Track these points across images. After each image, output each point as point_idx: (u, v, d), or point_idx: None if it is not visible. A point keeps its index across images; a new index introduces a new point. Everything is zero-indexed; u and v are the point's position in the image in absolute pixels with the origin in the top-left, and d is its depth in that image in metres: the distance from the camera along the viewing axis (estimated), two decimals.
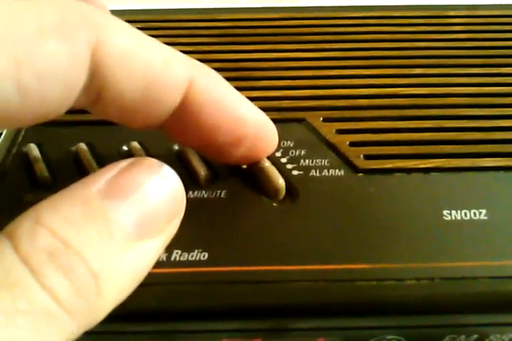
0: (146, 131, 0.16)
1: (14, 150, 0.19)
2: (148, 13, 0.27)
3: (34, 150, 0.19)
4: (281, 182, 0.17)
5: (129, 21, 0.14)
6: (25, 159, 0.19)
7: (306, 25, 0.26)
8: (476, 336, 0.16)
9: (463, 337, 0.16)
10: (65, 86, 0.13)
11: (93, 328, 0.11)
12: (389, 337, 0.16)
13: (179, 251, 0.16)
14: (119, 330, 0.15)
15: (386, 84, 0.22)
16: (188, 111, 0.15)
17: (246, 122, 0.15)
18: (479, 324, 0.15)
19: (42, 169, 0.18)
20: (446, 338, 0.16)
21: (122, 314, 0.12)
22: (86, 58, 0.13)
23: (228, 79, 0.16)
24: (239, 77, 0.22)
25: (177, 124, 0.15)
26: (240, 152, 0.16)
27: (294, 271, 0.15)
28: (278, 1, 0.38)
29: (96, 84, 0.13)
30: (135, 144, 0.19)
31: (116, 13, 0.16)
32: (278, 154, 0.19)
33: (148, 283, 0.12)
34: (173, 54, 0.15)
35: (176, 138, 0.17)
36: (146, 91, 0.14)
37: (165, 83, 0.14)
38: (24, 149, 0.19)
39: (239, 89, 0.16)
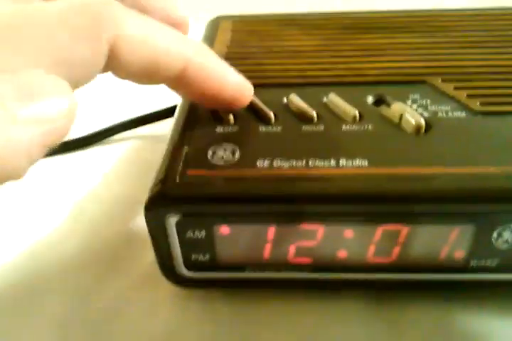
0: None
1: None
2: None
3: None
4: (422, 122, 0.22)
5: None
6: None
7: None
8: None
9: None
10: (91, 69, 0.17)
11: None
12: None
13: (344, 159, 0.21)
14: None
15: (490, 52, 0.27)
16: (185, 79, 0.20)
17: (228, 85, 0.21)
18: None
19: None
20: None
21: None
22: (105, 51, 0.17)
23: None
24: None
25: (179, 86, 0.21)
26: (225, 103, 0.22)
27: (438, 173, 0.20)
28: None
29: (112, 62, 0.18)
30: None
31: None
32: (408, 103, 0.24)
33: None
34: (175, 40, 0.19)
35: (179, 94, 0.22)
36: (150, 68, 0.19)
37: (165, 63, 0.19)
38: None
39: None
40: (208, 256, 0.22)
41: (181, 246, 0.21)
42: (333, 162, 0.20)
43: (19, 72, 0.15)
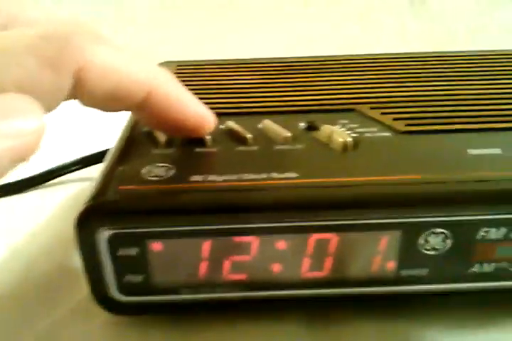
0: None
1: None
2: None
3: None
4: (349, 139, 0.23)
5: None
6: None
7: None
8: None
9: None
10: (56, 96, 0.18)
11: None
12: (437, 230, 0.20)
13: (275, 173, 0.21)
14: None
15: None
16: (148, 106, 0.21)
17: (190, 114, 0.22)
18: None
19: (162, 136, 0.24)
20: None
21: None
22: (70, 79, 0.18)
23: None
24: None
25: (141, 112, 0.22)
26: (187, 132, 0.23)
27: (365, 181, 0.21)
28: None
29: (77, 90, 0.18)
30: None
31: None
32: (337, 127, 0.25)
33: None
34: (141, 68, 0.20)
35: (141, 120, 0.23)
36: (115, 96, 0.19)
37: (130, 91, 0.20)
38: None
39: None
40: (141, 277, 0.21)
41: (113, 266, 0.21)
42: (264, 175, 0.21)
43: None
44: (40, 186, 0.36)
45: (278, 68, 0.34)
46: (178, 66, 0.36)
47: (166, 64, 0.36)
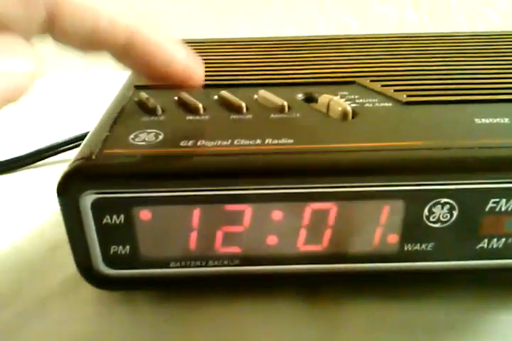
0: None
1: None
2: None
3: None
4: (348, 108, 0.22)
5: None
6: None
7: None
8: None
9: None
10: (25, 26, 0.17)
11: None
12: (443, 200, 0.19)
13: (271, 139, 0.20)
14: None
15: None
16: (131, 50, 0.19)
17: (177, 59, 0.20)
18: None
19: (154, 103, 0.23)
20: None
21: None
22: (41, 12, 0.17)
23: None
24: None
25: (125, 57, 0.20)
26: (176, 78, 0.21)
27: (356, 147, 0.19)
28: None
29: (53, 24, 0.17)
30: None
31: None
32: (337, 97, 0.24)
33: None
34: (121, 11, 0.19)
35: (126, 66, 0.21)
36: (93, 36, 0.18)
37: (109, 31, 0.18)
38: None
39: None
40: (128, 248, 0.20)
41: (98, 235, 0.20)
42: (259, 141, 0.20)
43: None
44: (31, 166, 0.35)
45: (277, 46, 0.33)
46: None
47: None
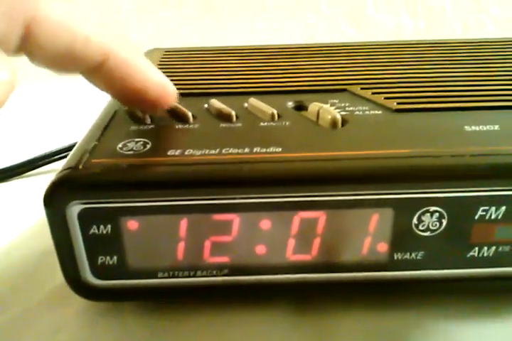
0: None
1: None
2: None
3: None
4: (338, 116, 0.22)
5: None
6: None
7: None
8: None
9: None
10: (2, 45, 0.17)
11: None
12: (432, 208, 0.19)
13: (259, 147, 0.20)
14: None
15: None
16: (105, 72, 0.20)
17: (151, 83, 0.20)
18: None
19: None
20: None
21: None
22: (19, 28, 0.17)
23: None
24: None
25: (98, 79, 0.20)
26: (147, 103, 0.21)
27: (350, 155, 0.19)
28: None
29: (27, 42, 0.17)
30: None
31: None
32: (327, 105, 0.24)
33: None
34: (99, 30, 0.19)
35: (99, 88, 0.21)
36: (67, 55, 0.18)
37: (83, 51, 0.18)
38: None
39: None
40: (115, 259, 0.20)
41: (85, 245, 0.20)
42: (247, 149, 0.20)
43: None
44: (24, 175, 0.35)
45: (266, 54, 0.33)
46: (166, 52, 0.35)
47: (154, 51, 0.35)
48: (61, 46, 0.18)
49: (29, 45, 0.17)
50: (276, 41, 0.40)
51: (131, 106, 0.23)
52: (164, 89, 0.21)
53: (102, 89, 0.22)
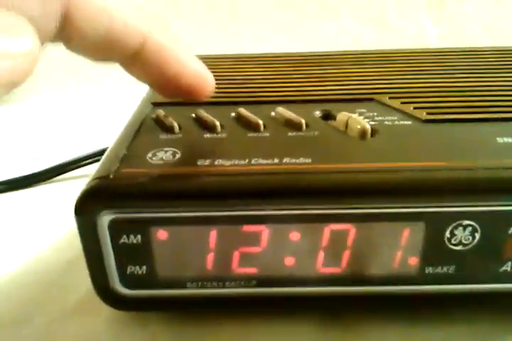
0: None
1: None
2: None
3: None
4: (367, 126, 0.22)
5: None
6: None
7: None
8: None
9: None
10: (42, 27, 0.16)
11: None
12: (465, 222, 0.19)
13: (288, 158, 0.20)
14: None
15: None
16: (142, 57, 0.19)
17: (188, 69, 0.20)
18: None
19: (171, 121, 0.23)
20: None
21: None
22: (58, 11, 0.16)
23: None
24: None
25: (135, 65, 0.20)
26: (183, 91, 0.21)
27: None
28: None
29: (66, 28, 0.17)
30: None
31: None
32: (355, 115, 0.24)
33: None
34: (135, 15, 0.19)
35: (135, 76, 0.21)
36: (106, 40, 0.18)
37: (122, 36, 0.18)
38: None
39: None
40: (145, 268, 0.20)
41: (115, 255, 0.20)
42: (276, 160, 0.20)
43: None
44: (52, 180, 0.36)
45: (294, 62, 0.33)
46: None
47: None
48: (100, 30, 0.18)
49: (67, 30, 0.17)
50: (299, 49, 0.39)
51: (167, 95, 0.22)
52: (201, 77, 0.21)
53: (139, 78, 0.21)
